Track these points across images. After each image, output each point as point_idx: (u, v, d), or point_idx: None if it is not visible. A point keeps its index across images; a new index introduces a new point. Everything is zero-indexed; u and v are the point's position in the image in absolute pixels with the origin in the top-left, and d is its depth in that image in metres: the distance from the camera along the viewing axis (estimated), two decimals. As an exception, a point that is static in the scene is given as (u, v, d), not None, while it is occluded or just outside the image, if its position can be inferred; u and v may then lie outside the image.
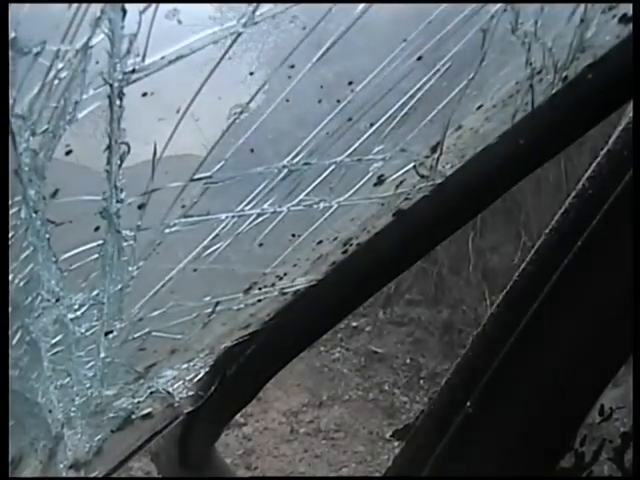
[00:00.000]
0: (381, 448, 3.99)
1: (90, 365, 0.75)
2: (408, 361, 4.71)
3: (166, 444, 1.04)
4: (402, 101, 0.68)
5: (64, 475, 0.81)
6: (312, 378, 4.57)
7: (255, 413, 4.15)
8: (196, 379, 0.92)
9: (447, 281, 4.95)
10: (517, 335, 0.67)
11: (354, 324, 4.95)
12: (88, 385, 0.77)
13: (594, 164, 0.67)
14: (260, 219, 0.70)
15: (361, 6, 0.60)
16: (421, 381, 4.55)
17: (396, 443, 3.74)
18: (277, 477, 3.83)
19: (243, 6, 0.55)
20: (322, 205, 0.72)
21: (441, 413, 0.72)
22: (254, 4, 0.54)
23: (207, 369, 0.91)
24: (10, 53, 0.46)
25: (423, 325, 4.94)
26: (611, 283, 0.66)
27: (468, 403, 0.69)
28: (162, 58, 0.52)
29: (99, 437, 0.83)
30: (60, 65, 0.49)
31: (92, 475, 0.83)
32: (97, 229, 0.61)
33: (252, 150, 0.66)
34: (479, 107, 0.76)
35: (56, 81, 0.49)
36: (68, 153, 0.55)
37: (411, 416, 4.10)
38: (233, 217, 0.69)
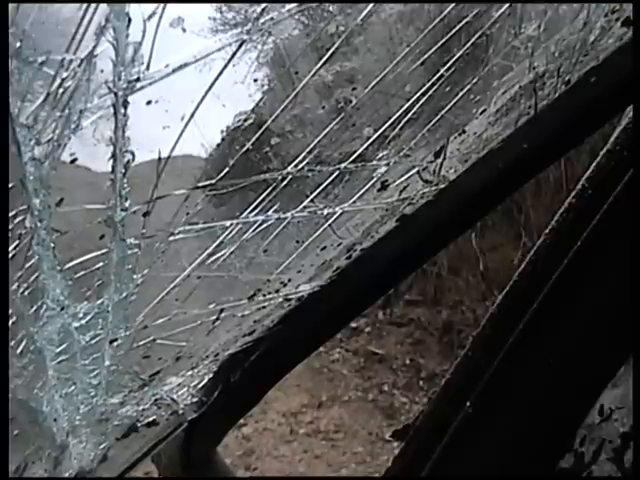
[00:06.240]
0: (380, 449, 3.99)
1: (95, 373, 0.75)
2: (407, 362, 4.71)
3: (167, 446, 1.04)
4: (405, 106, 0.68)
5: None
6: (311, 379, 4.56)
7: (255, 414, 4.14)
8: (200, 385, 0.92)
9: (446, 282, 4.95)
10: (516, 335, 0.67)
11: (354, 325, 4.95)
12: (93, 393, 0.77)
13: (594, 164, 0.67)
14: (264, 226, 0.70)
15: (365, 11, 0.60)
16: (420, 382, 4.55)
17: (395, 444, 3.73)
18: (276, 477, 3.83)
19: (242, 6, 0.54)
20: (326, 211, 0.72)
21: (440, 413, 0.72)
22: (257, 11, 0.54)
23: (211, 375, 0.91)
24: (15, 62, 0.46)
25: (423, 326, 4.94)
26: (611, 283, 0.65)
27: (468, 403, 0.68)
28: (166, 66, 0.52)
29: (104, 445, 0.83)
30: (65, 74, 0.49)
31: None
32: (102, 237, 0.61)
33: (256, 156, 0.66)
34: (482, 112, 0.76)
35: (61, 90, 0.49)
36: (73, 161, 0.55)
37: (410, 417, 4.09)
38: (237, 224, 0.69)
